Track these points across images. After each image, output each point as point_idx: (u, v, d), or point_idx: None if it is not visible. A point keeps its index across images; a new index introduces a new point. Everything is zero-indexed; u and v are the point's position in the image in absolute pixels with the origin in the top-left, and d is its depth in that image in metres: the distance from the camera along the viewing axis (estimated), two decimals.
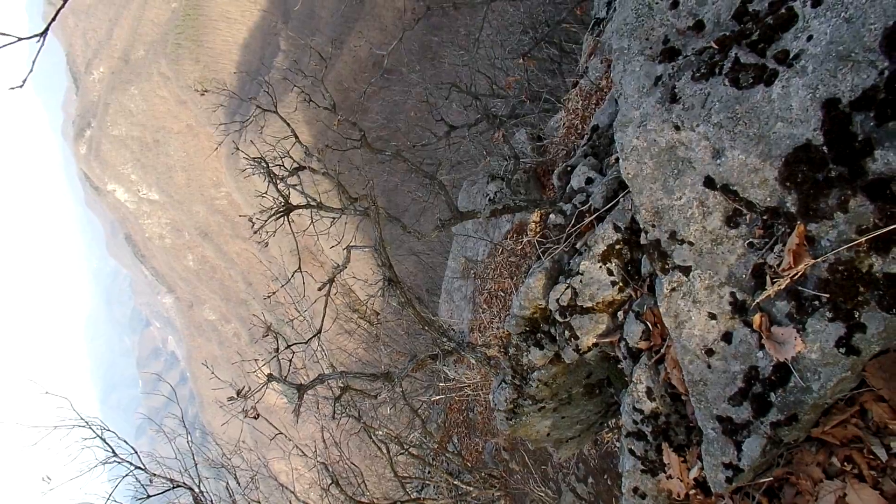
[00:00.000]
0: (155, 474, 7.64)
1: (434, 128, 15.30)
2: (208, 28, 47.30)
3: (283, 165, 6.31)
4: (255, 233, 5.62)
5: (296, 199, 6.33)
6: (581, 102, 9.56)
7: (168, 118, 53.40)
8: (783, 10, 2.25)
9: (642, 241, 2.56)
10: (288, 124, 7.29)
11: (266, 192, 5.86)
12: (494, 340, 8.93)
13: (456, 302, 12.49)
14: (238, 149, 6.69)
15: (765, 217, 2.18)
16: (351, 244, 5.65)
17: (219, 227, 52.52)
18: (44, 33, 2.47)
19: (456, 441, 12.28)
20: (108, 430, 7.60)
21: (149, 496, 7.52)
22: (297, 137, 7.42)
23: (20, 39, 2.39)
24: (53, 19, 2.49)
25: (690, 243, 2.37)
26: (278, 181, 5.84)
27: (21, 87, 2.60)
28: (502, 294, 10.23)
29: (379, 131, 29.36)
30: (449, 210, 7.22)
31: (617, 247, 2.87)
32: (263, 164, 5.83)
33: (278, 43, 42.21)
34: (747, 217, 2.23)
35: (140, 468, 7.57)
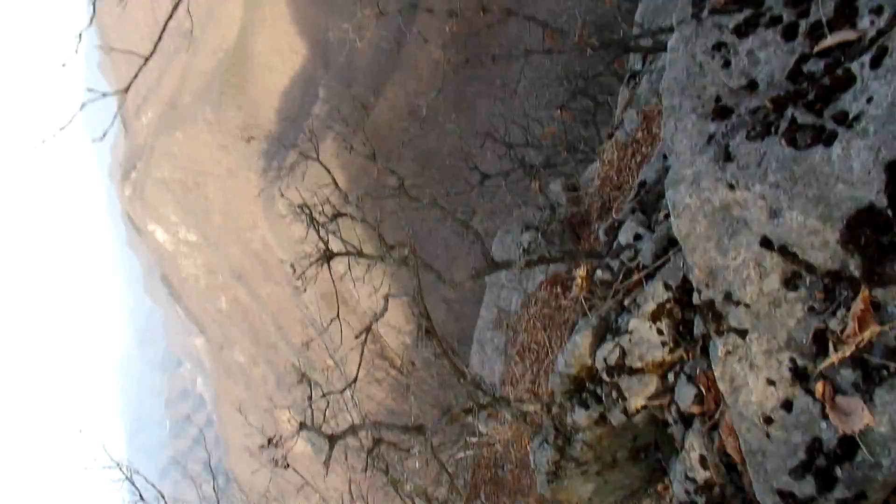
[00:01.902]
0: None
1: (468, 176, 15.45)
2: (252, 76, 49.22)
3: (324, 212, 6.42)
4: (298, 279, 5.69)
5: (334, 245, 6.42)
6: (616, 154, 9.59)
7: (209, 162, 55.14)
8: (840, 72, 2.23)
9: (695, 300, 2.49)
10: (329, 172, 7.45)
11: (307, 238, 5.95)
12: (527, 395, 8.73)
13: (488, 353, 12.33)
14: (283, 195, 6.85)
15: (826, 280, 2.10)
16: (389, 293, 5.67)
17: (252, 269, 53.35)
18: (127, 89, 2.63)
19: (483, 499, 11.90)
20: (137, 472, 7.65)
21: None
22: (336, 185, 7.57)
23: (105, 95, 2.56)
24: (135, 77, 2.65)
25: (747, 305, 2.29)
26: (319, 228, 5.94)
27: (101, 139, 2.75)
28: (535, 347, 10.06)
29: (414, 178, 29.70)
30: (483, 259, 7.21)
31: (667, 306, 2.80)
32: (306, 211, 5.94)
33: (317, 91, 43.54)
34: (807, 280, 2.15)
35: None
